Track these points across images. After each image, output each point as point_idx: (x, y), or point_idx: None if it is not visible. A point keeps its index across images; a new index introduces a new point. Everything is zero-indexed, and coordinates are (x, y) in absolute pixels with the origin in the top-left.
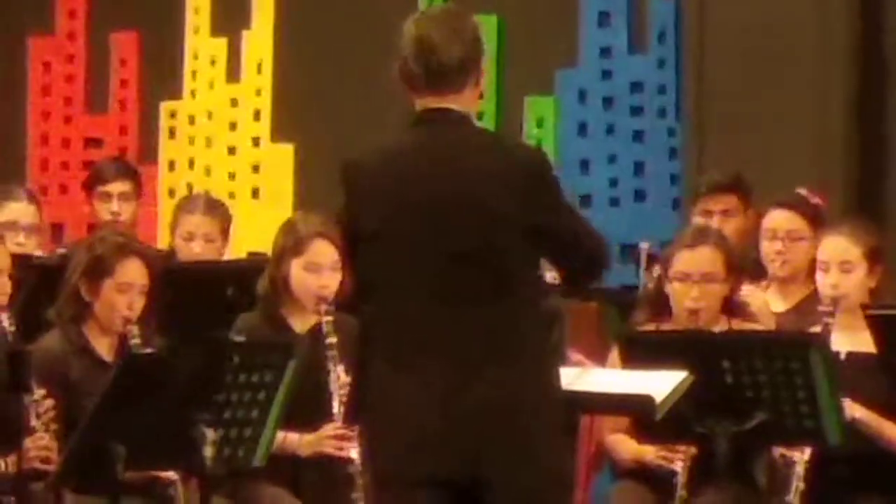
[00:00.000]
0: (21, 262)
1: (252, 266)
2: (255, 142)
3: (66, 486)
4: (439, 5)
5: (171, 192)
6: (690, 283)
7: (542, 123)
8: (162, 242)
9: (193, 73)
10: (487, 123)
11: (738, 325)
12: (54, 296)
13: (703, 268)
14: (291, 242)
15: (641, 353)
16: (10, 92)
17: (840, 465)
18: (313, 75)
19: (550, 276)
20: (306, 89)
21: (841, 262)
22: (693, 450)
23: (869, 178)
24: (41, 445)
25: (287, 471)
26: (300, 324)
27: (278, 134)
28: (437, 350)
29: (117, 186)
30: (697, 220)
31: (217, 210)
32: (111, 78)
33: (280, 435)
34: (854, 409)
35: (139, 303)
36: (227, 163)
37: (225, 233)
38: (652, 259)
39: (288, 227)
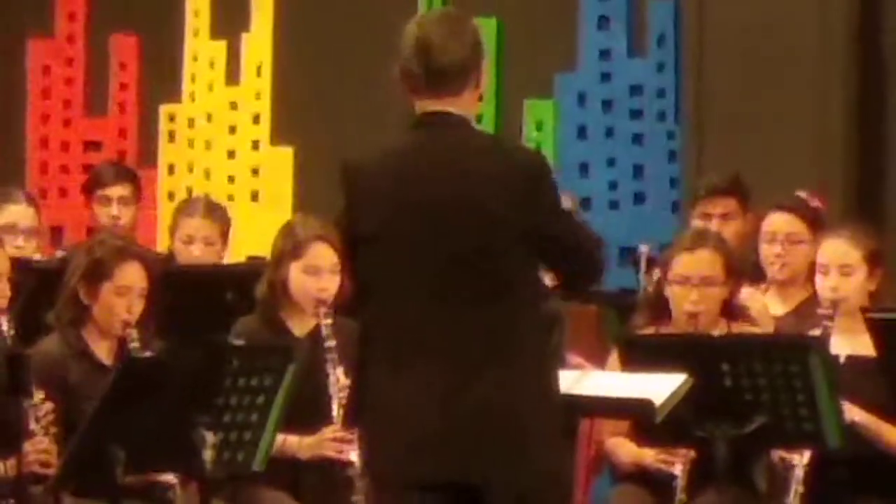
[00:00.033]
0: (20, 266)
1: (251, 269)
2: (255, 145)
3: (66, 489)
4: (439, 8)
5: (171, 196)
6: (690, 286)
7: (541, 126)
8: (161, 246)
9: (193, 76)
10: (487, 126)
11: (737, 328)
12: (53, 299)
13: (703, 271)
14: (290, 246)
15: (641, 356)
16: (9, 95)
17: (839, 468)
18: (313, 78)
19: (549, 279)
20: (306, 92)
21: (840, 265)
22: (692, 453)
23: (869, 179)
24: (40, 449)
25: (287, 474)
26: (299, 327)
27: (278, 137)
28: (436, 351)
29: (117, 190)
30: (696, 223)
31: (216, 213)
32: (110, 81)
33: (280, 438)
34: (853, 413)
35: (138, 306)
36: (227, 166)
37: (224, 236)
38: (651, 262)
39: (287, 231)
